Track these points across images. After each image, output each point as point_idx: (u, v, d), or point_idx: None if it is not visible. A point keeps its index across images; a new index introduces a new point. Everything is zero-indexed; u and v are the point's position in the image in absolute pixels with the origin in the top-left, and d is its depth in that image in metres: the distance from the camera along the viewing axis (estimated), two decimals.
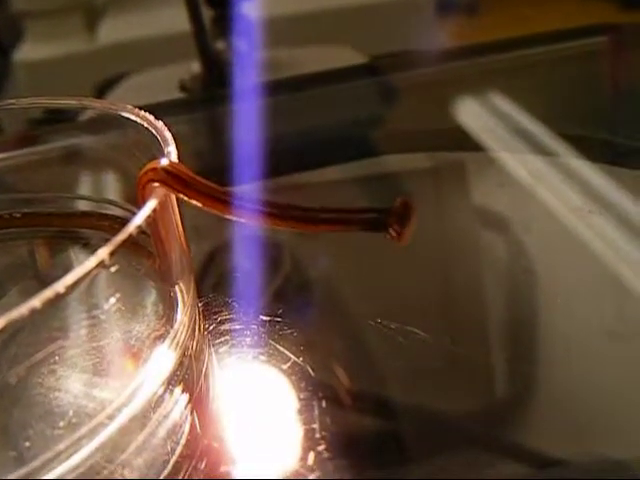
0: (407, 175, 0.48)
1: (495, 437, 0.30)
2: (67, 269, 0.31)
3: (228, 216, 0.27)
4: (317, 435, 0.27)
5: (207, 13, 0.72)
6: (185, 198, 0.27)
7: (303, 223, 0.28)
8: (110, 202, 0.37)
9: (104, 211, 0.37)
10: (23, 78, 1.18)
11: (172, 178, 0.27)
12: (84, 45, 1.22)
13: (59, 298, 0.22)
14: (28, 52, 1.22)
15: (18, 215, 0.37)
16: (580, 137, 0.47)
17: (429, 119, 0.54)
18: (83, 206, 0.38)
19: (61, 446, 0.24)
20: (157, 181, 0.27)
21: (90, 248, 0.36)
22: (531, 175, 0.44)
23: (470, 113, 0.53)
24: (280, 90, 0.57)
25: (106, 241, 0.24)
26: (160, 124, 0.30)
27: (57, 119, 0.40)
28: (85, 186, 0.40)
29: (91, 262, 0.23)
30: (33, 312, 0.21)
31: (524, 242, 0.40)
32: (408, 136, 0.52)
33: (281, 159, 0.47)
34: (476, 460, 0.28)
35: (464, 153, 0.49)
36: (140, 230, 0.25)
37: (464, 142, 0.49)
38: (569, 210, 0.40)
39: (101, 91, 1.01)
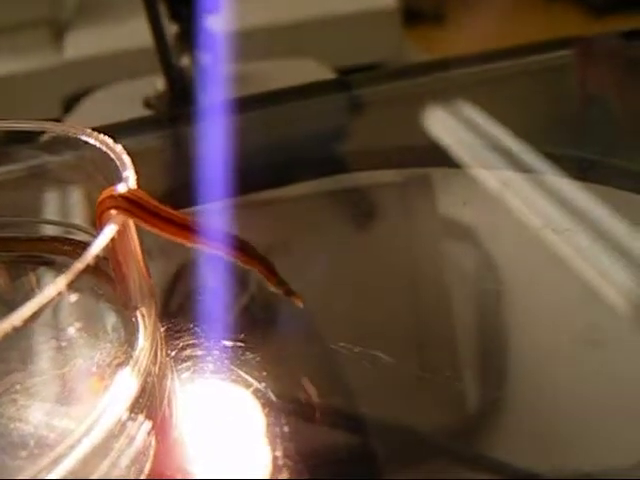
0: (376, 190, 0.48)
1: (467, 451, 0.30)
2: (30, 293, 0.30)
3: (185, 242, 0.27)
4: (280, 462, 0.27)
5: (172, 28, 0.71)
6: (143, 224, 0.27)
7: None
8: (73, 226, 0.37)
9: (67, 235, 0.36)
10: None
11: (130, 205, 0.26)
12: (50, 60, 1.21)
13: (16, 331, 0.22)
14: None
15: None
16: (551, 152, 0.47)
17: (398, 134, 0.54)
18: (46, 229, 0.38)
19: (22, 478, 0.24)
20: (115, 208, 0.26)
21: (53, 271, 0.36)
22: (501, 190, 0.44)
23: (440, 128, 0.53)
24: (247, 106, 0.57)
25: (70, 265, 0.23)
26: (119, 148, 0.30)
27: (19, 140, 0.40)
28: (47, 209, 0.39)
29: (49, 293, 0.23)
30: None
31: (495, 258, 0.40)
32: (379, 152, 0.52)
33: (249, 176, 0.47)
34: (446, 474, 0.28)
35: (434, 168, 0.49)
36: (99, 258, 0.24)
37: (434, 157, 0.49)
38: (539, 225, 0.40)
39: (67, 106, 1.01)
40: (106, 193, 0.27)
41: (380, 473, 0.28)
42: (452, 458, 0.30)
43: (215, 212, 0.42)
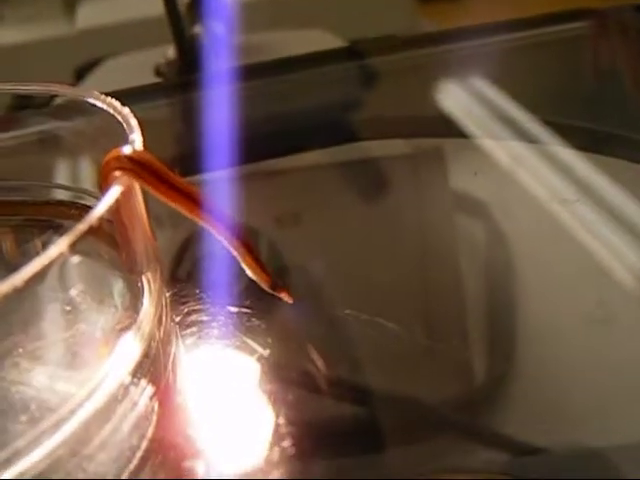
0: (387, 161, 0.48)
1: (472, 425, 0.29)
2: (36, 257, 0.30)
3: (186, 212, 0.27)
4: (282, 430, 0.26)
5: None
6: (148, 187, 0.26)
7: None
8: (82, 191, 0.36)
9: (75, 200, 0.36)
10: (1, 62, 1.17)
11: (135, 165, 0.26)
12: (62, 29, 1.21)
13: (17, 292, 0.21)
14: (6, 36, 1.21)
15: None
16: (562, 124, 0.46)
17: (410, 104, 0.53)
18: (55, 194, 0.38)
19: (22, 441, 0.23)
20: (120, 169, 0.26)
21: (60, 235, 0.36)
22: (512, 162, 0.43)
23: (452, 99, 0.52)
24: (257, 74, 0.57)
25: None
26: (126, 111, 0.30)
27: (28, 105, 0.40)
28: (57, 174, 0.39)
29: (50, 253, 0.22)
30: None
31: (504, 230, 0.39)
32: (389, 122, 0.51)
33: (258, 144, 0.46)
34: (452, 448, 0.28)
35: (445, 139, 0.49)
36: (103, 220, 0.24)
37: (445, 128, 0.49)
38: (550, 197, 0.39)
39: (79, 75, 1.00)
40: (111, 154, 0.27)
41: (383, 444, 0.28)
42: (457, 431, 0.29)
43: (224, 180, 0.42)
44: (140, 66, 0.76)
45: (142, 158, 0.26)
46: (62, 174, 0.39)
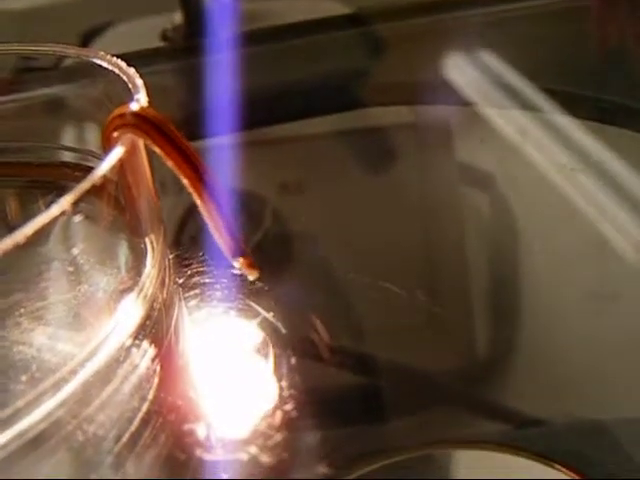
0: (392, 129, 0.48)
1: (473, 396, 0.29)
2: None
3: (181, 175, 0.26)
4: (285, 393, 0.26)
5: None
6: (152, 144, 0.26)
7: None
8: (88, 152, 0.36)
9: (80, 161, 0.36)
10: (8, 27, 1.17)
11: (139, 120, 0.26)
12: None
13: (19, 249, 0.21)
14: (14, 1, 1.21)
15: None
16: (567, 93, 0.46)
17: (414, 72, 0.53)
18: (60, 156, 0.37)
19: (22, 401, 0.23)
20: (124, 127, 0.26)
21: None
22: (516, 131, 0.43)
23: (456, 67, 0.52)
24: (263, 40, 0.56)
25: None
26: (132, 71, 0.30)
27: (36, 67, 0.39)
28: (62, 136, 0.39)
29: (52, 211, 0.22)
30: None
31: (508, 199, 0.39)
32: (392, 89, 0.51)
33: (263, 110, 0.46)
34: (453, 419, 0.28)
35: (449, 107, 0.48)
36: (107, 179, 0.24)
37: (449, 96, 0.49)
38: (554, 167, 0.39)
39: (86, 40, 1.00)
40: (115, 113, 0.26)
41: (384, 413, 0.28)
42: (458, 402, 0.29)
43: (228, 146, 0.42)
44: (147, 32, 0.76)
45: (147, 113, 0.26)
46: (67, 136, 0.39)
